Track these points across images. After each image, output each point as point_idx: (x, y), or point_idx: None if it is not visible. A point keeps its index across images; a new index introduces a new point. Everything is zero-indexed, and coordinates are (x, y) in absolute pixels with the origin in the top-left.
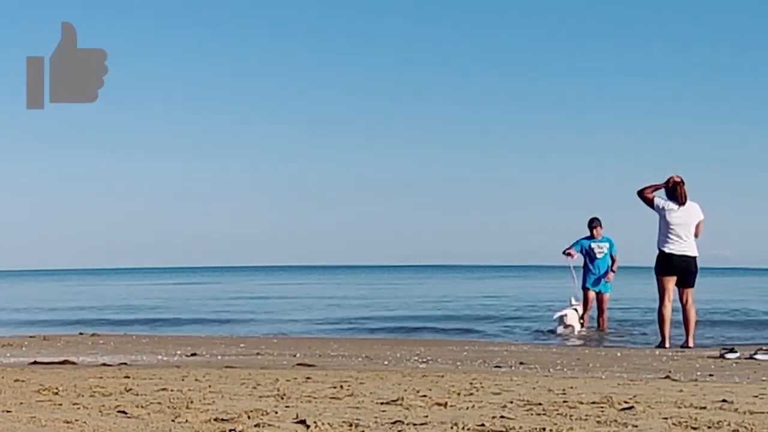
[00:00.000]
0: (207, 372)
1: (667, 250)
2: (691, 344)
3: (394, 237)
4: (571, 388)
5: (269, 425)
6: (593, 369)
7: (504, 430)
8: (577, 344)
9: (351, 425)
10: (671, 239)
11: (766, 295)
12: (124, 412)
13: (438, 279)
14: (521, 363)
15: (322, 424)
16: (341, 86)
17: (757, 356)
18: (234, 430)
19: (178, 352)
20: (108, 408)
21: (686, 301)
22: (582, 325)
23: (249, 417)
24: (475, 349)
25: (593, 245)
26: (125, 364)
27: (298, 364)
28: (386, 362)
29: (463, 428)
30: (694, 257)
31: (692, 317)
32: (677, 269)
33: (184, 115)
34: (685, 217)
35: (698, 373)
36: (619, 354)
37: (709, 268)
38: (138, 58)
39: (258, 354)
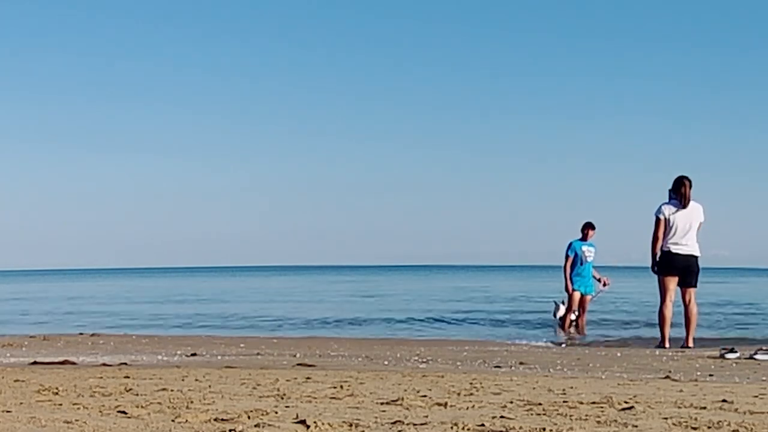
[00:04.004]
0: (207, 372)
1: (669, 250)
2: (690, 344)
3: (391, 237)
4: (571, 388)
5: (269, 425)
6: (593, 369)
7: (504, 430)
8: (577, 344)
9: (351, 425)
10: (673, 239)
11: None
12: (124, 412)
13: (436, 279)
14: (521, 363)
15: (322, 424)
16: (341, 86)
17: (757, 356)
18: (234, 430)
19: (178, 352)
20: (108, 408)
21: (689, 300)
22: (578, 326)
23: (249, 417)
24: (475, 349)
25: (584, 248)
26: (125, 364)
27: (298, 364)
28: (386, 362)
29: (463, 428)
30: (696, 257)
31: (693, 317)
32: (679, 269)
33: (183, 115)
34: (687, 218)
35: (698, 373)
36: (619, 354)
37: (708, 268)
38: (137, 59)
39: (258, 354)
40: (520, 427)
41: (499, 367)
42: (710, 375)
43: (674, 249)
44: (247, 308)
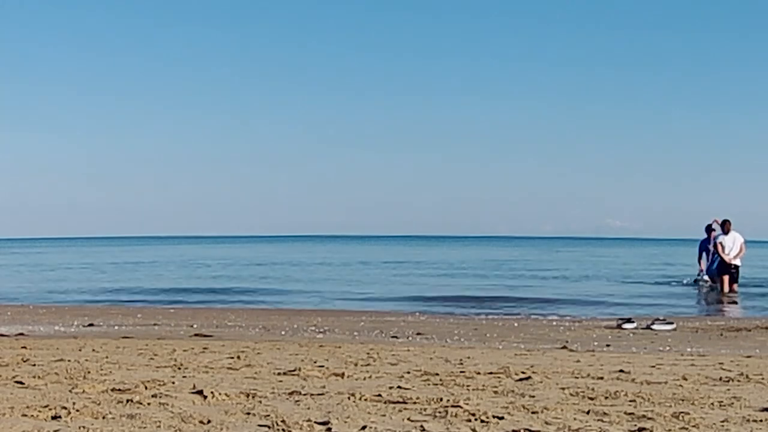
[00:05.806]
0: (104, 342)
1: (724, 260)
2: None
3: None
4: (468, 358)
5: (166, 395)
6: (490, 339)
7: (401, 400)
8: (474, 314)
9: (248, 395)
10: (726, 254)
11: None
12: (21, 383)
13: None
14: (418, 333)
15: (219, 394)
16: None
17: (653, 326)
18: (131, 400)
19: (76, 323)
20: (5, 378)
21: (734, 287)
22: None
23: (146, 387)
24: (372, 320)
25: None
26: (22, 334)
27: (196, 335)
28: (283, 332)
29: (360, 398)
30: (738, 265)
31: (734, 296)
32: (729, 271)
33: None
34: (731, 241)
35: (595, 344)
36: (516, 324)
37: (602, 238)
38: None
39: (155, 324)
40: (417, 398)
41: (396, 337)
42: (607, 345)
43: (726, 260)
44: (148, 278)
